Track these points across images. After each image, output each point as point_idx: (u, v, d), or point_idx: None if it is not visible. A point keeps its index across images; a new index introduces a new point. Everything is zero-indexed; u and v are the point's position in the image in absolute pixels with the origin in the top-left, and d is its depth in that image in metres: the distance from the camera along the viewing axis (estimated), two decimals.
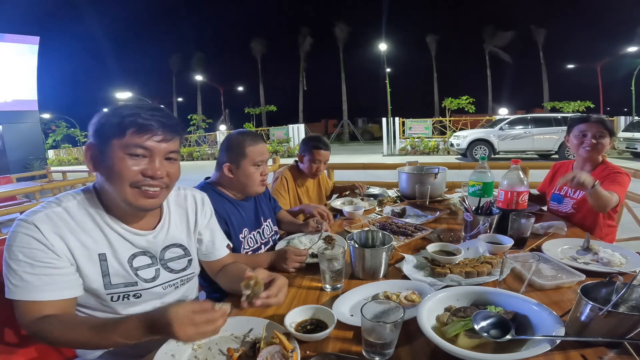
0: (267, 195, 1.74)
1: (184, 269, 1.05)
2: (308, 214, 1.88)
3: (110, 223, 0.90)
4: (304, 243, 1.44)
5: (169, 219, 1.03)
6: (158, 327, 0.70)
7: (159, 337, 0.73)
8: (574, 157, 1.90)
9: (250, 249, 1.46)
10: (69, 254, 0.82)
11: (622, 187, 1.63)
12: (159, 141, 0.84)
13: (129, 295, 0.92)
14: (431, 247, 1.27)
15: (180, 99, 38.98)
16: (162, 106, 0.90)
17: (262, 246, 1.53)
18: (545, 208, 2.02)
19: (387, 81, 22.90)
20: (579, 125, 1.78)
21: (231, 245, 1.19)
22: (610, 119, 13.97)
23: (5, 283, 0.79)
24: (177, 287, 1.03)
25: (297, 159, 2.36)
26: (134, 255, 0.93)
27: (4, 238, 1.04)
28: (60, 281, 0.80)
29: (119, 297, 0.90)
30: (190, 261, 1.06)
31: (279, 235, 1.69)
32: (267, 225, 1.59)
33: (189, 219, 1.07)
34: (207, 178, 1.52)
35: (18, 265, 0.78)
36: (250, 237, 1.48)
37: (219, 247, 1.15)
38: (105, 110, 0.85)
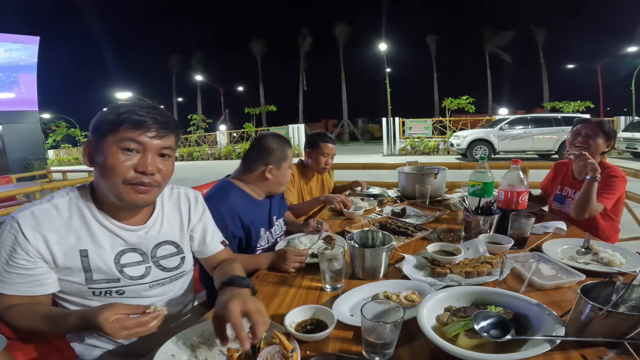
0: (280, 195, 1.77)
1: (176, 267, 1.05)
2: (329, 204, 1.94)
3: (100, 218, 0.90)
4: (304, 243, 1.44)
5: (162, 216, 1.03)
6: (94, 327, 0.74)
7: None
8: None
9: (262, 247, 1.49)
10: (46, 252, 0.85)
11: (613, 195, 1.67)
12: (152, 137, 0.85)
13: (111, 291, 0.93)
14: (431, 247, 1.27)
15: (180, 99, 39.02)
16: (160, 106, 0.92)
17: (274, 247, 1.54)
18: (545, 208, 2.03)
19: (387, 81, 22.93)
20: (577, 126, 1.84)
21: (227, 242, 1.19)
22: (610, 119, 13.99)
23: None
24: (164, 284, 1.03)
25: (302, 157, 2.38)
26: (122, 252, 0.93)
27: None
28: (29, 281, 0.85)
29: (100, 292, 0.92)
30: (183, 259, 1.06)
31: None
32: (277, 225, 1.62)
33: (182, 217, 1.08)
34: (228, 176, 1.54)
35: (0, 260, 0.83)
36: (265, 237, 1.51)
37: (210, 243, 1.13)
38: (104, 109, 0.87)
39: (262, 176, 1.45)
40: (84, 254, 0.88)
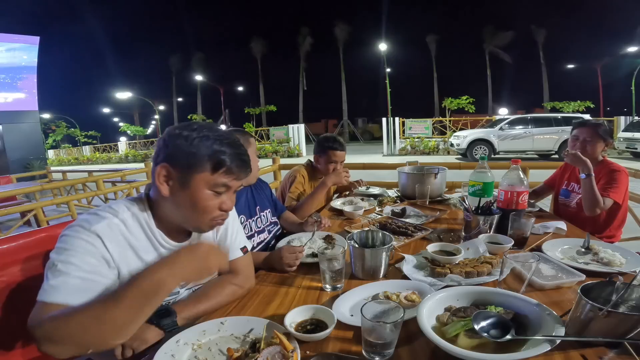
0: (268, 191, 1.81)
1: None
2: (339, 184, 2.08)
3: (157, 236, 0.91)
4: (304, 242, 1.44)
5: None
6: (190, 256, 0.76)
7: (185, 279, 0.76)
8: None
9: (247, 235, 1.52)
10: (123, 266, 0.83)
11: (618, 188, 1.77)
12: (237, 179, 0.90)
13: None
14: (431, 247, 1.27)
15: (180, 99, 39.03)
16: (237, 139, 0.90)
17: (256, 234, 1.58)
18: (543, 207, 2.04)
19: (387, 81, 22.93)
20: (574, 130, 1.98)
21: (248, 247, 1.15)
22: (610, 119, 13.98)
23: (43, 283, 0.75)
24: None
25: (311, 158, 2.37)
26: None
27: (5, 238, 1.04)
28: (98, 289, 0.78)
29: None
30: None
31: (278, 227, 1.74)
32: (263, 215, 1.66)
33: None
34: None
35: (67, 268, 0.75)
36: (247, 225, 1.54)
37: (230, 248, 1.10)
38: (185, 132, 0.83)
39: None
40: None
